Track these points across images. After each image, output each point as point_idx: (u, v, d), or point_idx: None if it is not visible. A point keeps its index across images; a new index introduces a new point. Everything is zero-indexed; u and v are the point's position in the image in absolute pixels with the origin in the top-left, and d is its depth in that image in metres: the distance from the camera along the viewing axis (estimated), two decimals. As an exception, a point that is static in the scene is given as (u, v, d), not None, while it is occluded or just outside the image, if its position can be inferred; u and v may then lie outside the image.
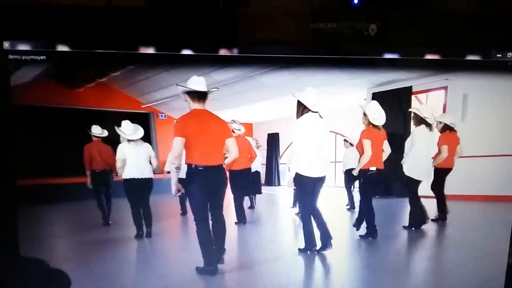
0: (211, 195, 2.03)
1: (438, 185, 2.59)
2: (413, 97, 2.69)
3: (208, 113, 2.01)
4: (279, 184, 3.80)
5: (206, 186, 1.97)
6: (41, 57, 1.52)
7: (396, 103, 2.64)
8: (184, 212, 3.04)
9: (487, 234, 2.17)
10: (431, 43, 1.52)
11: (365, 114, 2.42)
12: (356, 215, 2.61)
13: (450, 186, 2.57)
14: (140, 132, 2.56)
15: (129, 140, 2.53)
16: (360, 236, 2.50)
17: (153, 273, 2.07)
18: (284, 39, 1.50)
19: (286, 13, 1.49)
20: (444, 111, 2.62)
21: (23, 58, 1.50)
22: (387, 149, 2.49)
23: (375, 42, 1.50)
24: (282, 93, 2.72)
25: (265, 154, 3.69)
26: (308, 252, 2.29)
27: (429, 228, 2.59)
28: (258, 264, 2.17)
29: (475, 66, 1.60)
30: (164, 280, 1.96)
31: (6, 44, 1.49)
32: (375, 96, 2.69)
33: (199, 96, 1.96)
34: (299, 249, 2.30)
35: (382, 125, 2.42)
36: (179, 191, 2.03)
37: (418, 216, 2.56)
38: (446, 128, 2.51)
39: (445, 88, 2.54)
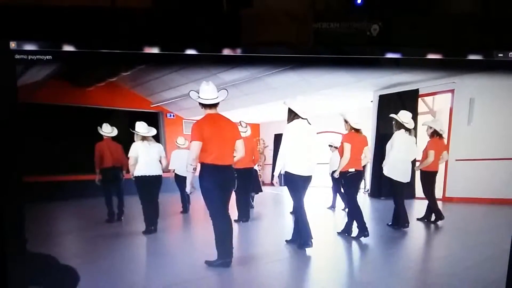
0: (222, 192, 2.15)
1: (428, 188, 2.70)
2: (420, 100, 2.70)
3: (221, 116, 2.14)
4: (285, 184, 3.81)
5: (219, 183, 2.11)
6: (47, 57, 1.55)
7: (402, 106, 2.65)
8: (185, 211, 3.09)
9: (492, 236, 2.16)
10: (432, 44, 1.53)
11: (346, 121, 2.59)
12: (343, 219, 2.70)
13: (456, 189, 2.58)
14: (153, 131, 2.71)
15: (142, 139, 2.65)
16: (352, 237, 2.56)
17: (160, 268, 2.12)
18: (287, 40, 1.53)
19: (288, 13, 1.52)
20: (450, 114, 2.63)
21: (29, 58, 1.54)
22: (368, 156, 2.65)
23: (377, 42, 1.52)
24: (288, 94, 2.75)
25: (272, 154, 3.71)
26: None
27: (431, 230, 2.62)
28: (259, 261, 2.26)
29: (478, 67, 1.60)
30: (172, 275, 2.03)
31: (12, 44, 1.52)
32: (382, 99, 2.71)
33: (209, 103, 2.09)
34: (287, 240, 2.47)
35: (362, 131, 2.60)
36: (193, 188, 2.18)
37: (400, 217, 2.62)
38: (435, 134, 2.61)
39: (452, 91, 2.54)
